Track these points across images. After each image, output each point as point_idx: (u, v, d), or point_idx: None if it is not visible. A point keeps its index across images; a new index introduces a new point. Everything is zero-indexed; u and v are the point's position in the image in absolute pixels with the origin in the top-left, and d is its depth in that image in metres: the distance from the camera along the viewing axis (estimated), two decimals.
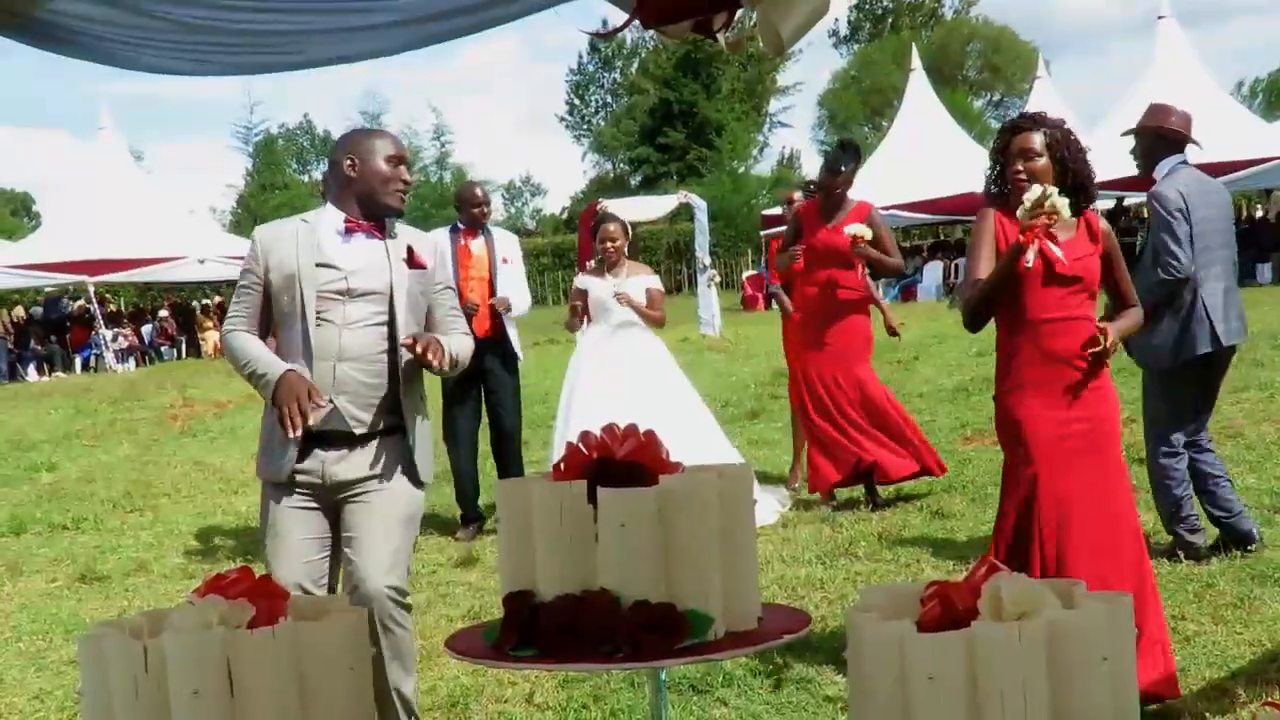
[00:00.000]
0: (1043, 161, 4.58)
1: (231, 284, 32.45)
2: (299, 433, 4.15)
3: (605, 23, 3.25)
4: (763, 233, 36.00)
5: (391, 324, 4.37)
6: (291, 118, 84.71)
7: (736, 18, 3.25)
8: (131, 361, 31.46)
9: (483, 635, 2.53)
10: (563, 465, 2.53)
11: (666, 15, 3.04)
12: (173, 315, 35.36)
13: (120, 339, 31.89)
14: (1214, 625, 5.40)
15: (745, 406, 13.76)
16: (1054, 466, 4.57)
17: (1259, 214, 33.11)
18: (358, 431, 4.33)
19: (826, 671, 5.15)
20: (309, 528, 4.37)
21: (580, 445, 2.55)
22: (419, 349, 4.21)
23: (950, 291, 28.06)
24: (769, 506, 8.24)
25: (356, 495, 4.37)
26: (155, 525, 9.85)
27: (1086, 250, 4.63)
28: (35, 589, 8.02)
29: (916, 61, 36.88)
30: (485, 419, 8.71)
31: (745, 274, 38.11)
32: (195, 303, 37.38)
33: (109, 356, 30.48)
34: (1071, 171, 4.61)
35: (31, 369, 30.38)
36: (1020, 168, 4.59)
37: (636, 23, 3.12)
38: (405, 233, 4.59)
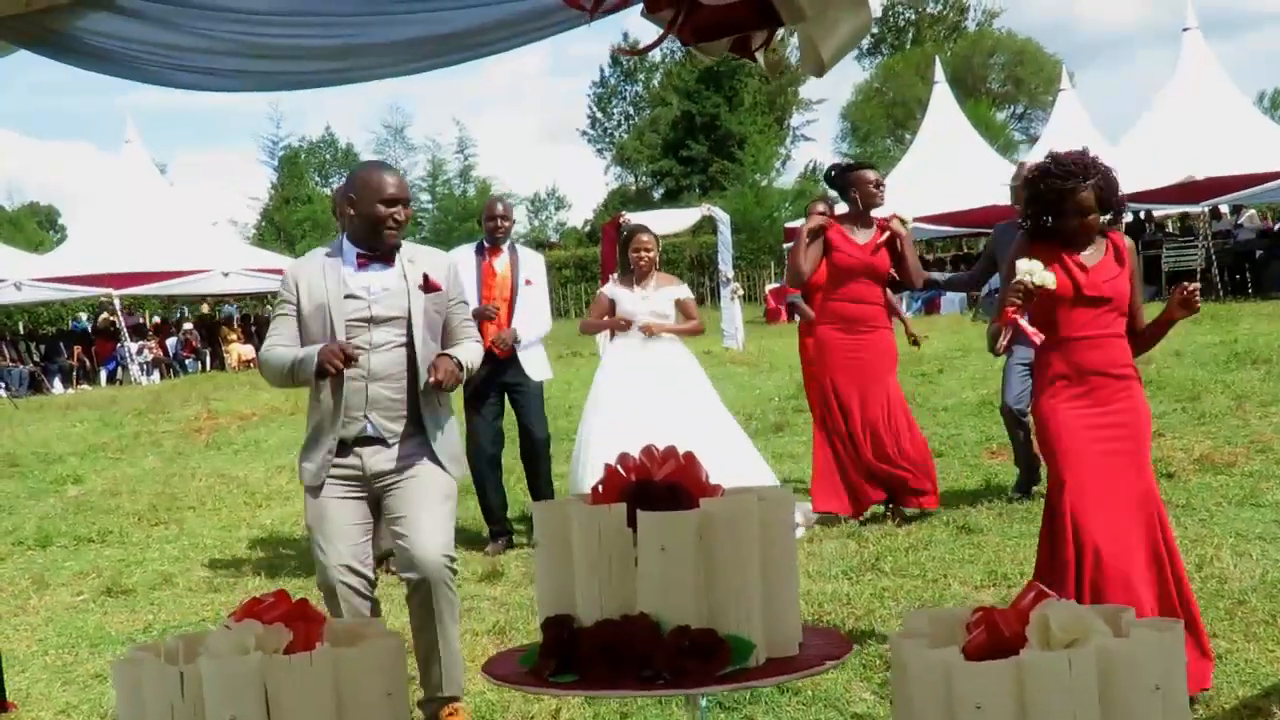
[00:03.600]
0: (1094, 217, 4.80)
1: (255, 296, 32.69)
2: (348, 367, 4.67)
3: (626, 36, 3.24)
4: (786, 245, 35.99)
5: (411, 345, 4.90)
6: (315, 130, 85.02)
7: (776, 37, 3.23)
8: (156, 374, 31.55)
9: (520, 659, 2.48)
10: (600, 487, 2.49)
11: (705, 33, 3.03)
12: (197, 328, 35.47)
13: (145, 351, 31.99)
14: (1246, 643, 5.34)
15: (769, 420, 13.70)
16: (1086, 473, 4.74)
17: None
18: (390, 441, 4.90)
19: (855, 688, 5.11)
20: (354, 514, 4.88)
21: (619, 467, 2.51)
22: (434, 380, 4.77)
23: (974, 304, 27.92)
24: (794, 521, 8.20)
25: (395, 483, 4.89)
26: (180, 538, 9.86)
27: (1114, 271, 4.86)
28: (61, 602, 8.03)
29: (940, 74, 36.83)
30: (501, 433, 8.64)
31: (768, 287, 38.04)
32: (219, 315, 37.52)
33: (134, 369, 30.59)
34: (1108, 200, 4.82)
35: (57, 381, 30.52)
36: (1076, 224, 4.77)
37: (667, 37, 3.10)
38: (418, 254, 5.08)
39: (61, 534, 10.22)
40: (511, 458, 8.80)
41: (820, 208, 8.59)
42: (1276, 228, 30.03)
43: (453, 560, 4.90)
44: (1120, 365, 4.85)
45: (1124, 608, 2.08)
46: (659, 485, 2.39)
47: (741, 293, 25.65)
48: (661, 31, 3.06)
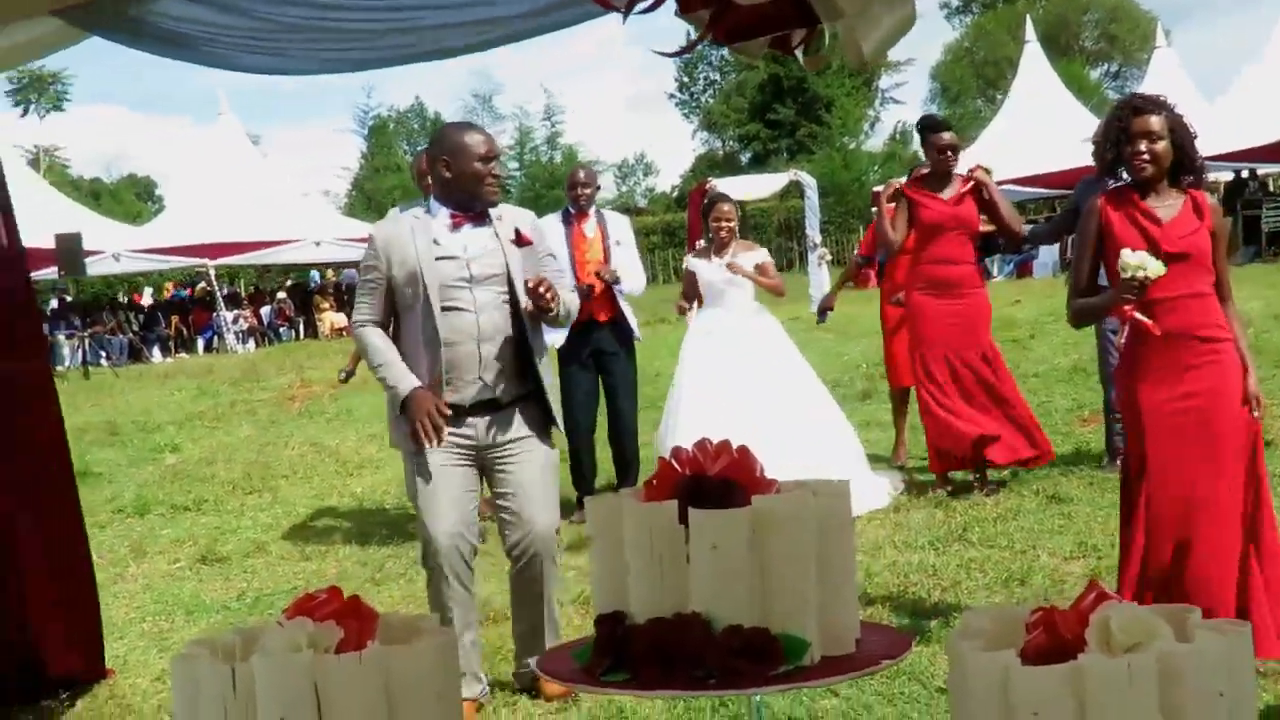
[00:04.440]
0: (1163, 144, 4.66)
1: (347, 265, 32.93)
2: (435, 444, 4.68)
3: (690, 35, 3.22)
4: (875, 210, 35.63)
5: (514, 302, 4.88)
6: (403, 100, 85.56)
7: (816, 33, 3.18)
8: (251, 342, 32.09)
9: (574, 655, 2.49)
10: (654, 482, 2.48)
11: (741, 34, 2.98)
12: (290, 297, 35.97)
13: (240, 320, 32.54)
14: None
15: (856, 387, 13.63)
16: (1163, 445, 4.63)
17: None
18: (503, 401, 4.90)
19: (941, 661, 5.07)
20: (462, 482, 4.90)
21: (673, 461, 2.49)
22: (540, 289, 4.70)
23: (1066, 268, 27.48)
24: (881, 489, 8.15)
25: (504, 455, 4.93)
26: (273, 506, 10.03)
27: (1192, 226, 4.67)
28: (158, 570, 8.22)
29: (1031, 33, 36.21)
30: (596, 399, 8.66)
31: (856, 251, 37.71)
32: (312, 283, 38.01)
33: (230, 338, 31.12)
34: (1185, 153, 4.70)
35: (156, 350, 31.14)
36: (1143, 149, 4.66)
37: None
38: (506, 212, 5.07)
39: (159, 502, 10.44)
40: (603, 427, 8.81)
41: (897, 181, 8.44)
42: None
43: (558, 532, 5.03)
44: (1206, 327, 4.64)
45: (1189, 608, 2.02)
46: (712, 481, 2.37)
47: (829, 258, 25.45)
48: (698, 33, 3.02)
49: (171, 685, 2.26)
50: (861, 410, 11.93)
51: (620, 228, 8.64)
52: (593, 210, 8.52)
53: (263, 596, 7.27)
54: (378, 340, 4.86)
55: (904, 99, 78.97)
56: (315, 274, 39.61)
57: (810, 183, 24.67)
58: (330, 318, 34.31)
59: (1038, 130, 29.88)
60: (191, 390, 19.91)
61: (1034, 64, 35.21)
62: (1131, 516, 4.77)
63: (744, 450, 2.46)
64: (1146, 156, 4.65)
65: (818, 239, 24.25)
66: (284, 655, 2.02)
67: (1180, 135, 4.68)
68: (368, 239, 5.01)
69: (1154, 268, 4.48)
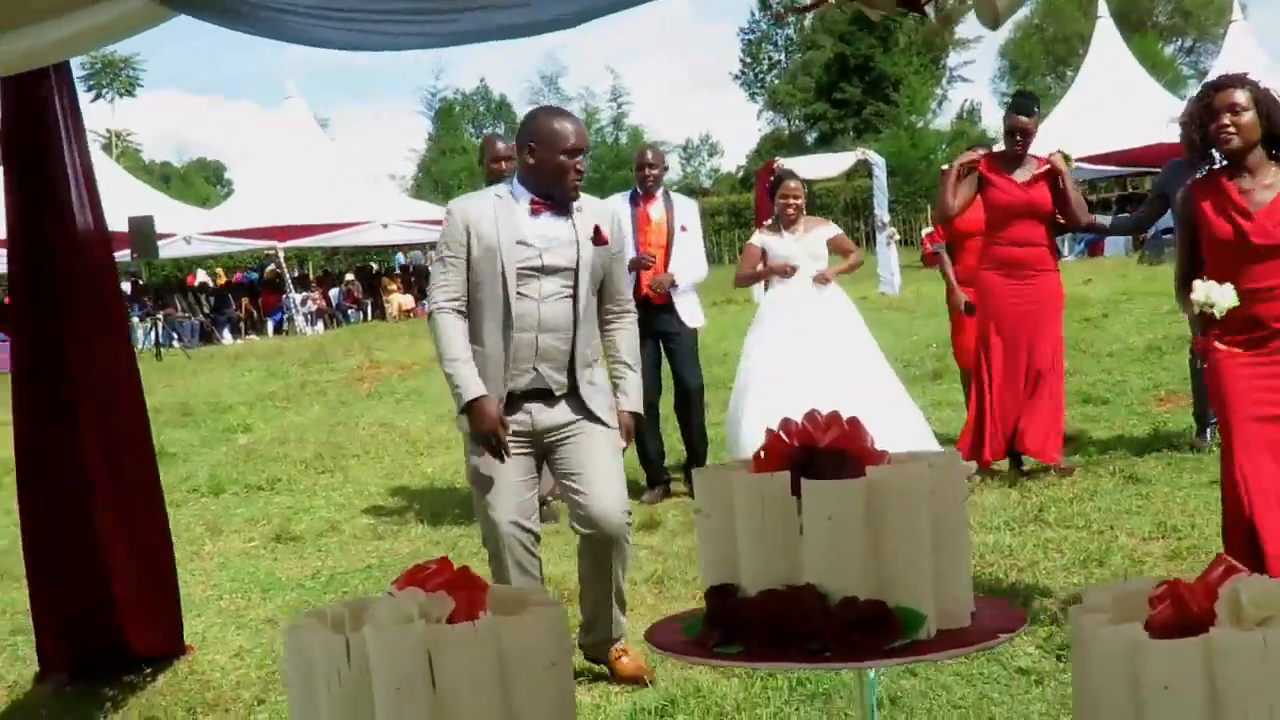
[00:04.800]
0: (1249, 116, 4.61)
1: (414, 247, 33.10)
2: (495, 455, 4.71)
3: None
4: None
5: (575, 298, 4.84)
6: (468, 83, 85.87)
7: None
8: (320, 324, 32.37)
9: (683, 629, 2.45)
10: (763, 454, 2.43)
11: None
12: (358, 279, 36.24)
13: (309, 302, 32.84)
14: None
15: (927, 367, 13.51)
16: (1255, 440, 4.61)
17: None
18: (557, 392, 4.86)
19: (1019, 643, 5.00)
20: (520, 469, 4.83)
21: (781, 433, 2.45)
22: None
23: (1139, 246, 27.09)
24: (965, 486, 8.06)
25: (564, 439, 4.87)
26: (345, 486, 10.10)
27: None
28: (234, 548, 8.30)
29: (1103, 8, 35.63)
30: (659, 381, 8.64)
31: (924, 231, 37.43)
32: (381, 265, 38.30)
33: (299, 319, 31.41)
34: (1275, 124, 4.64)
35: (226, 332, 31.50)
36: (1228, 122, 4.60)
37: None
38: (586, 203, 4.96)
39: (233, 481, 10.55)
40: (668, 406, 8.80)
41: (981, 152, 8.32)
42: None
43: (629, 515, 4.92)
44: None
45: None
46: (824, 452, 2.31)
47: (898, 237, 25.26)
48: None
49: (284, 656, 2.26)
50: (933, 390, 11.84)
51: (687, 212, 8.57)
52: (660, 192, 8.46)
53: (337, 575, 7.31)
54: (453, 333, 4.78)
55: (971, 77, 78.22)
56: (400, 256, 39.91)
57: (879, 162, 24.51)
58: (398, 299, 34.58)
59: (1111, 107, 29.41)
60: (261, 371, 20.14)
61: (1107, 40, 34.63)
62: (1228, 502, 4.76)
63: (854, 421, 2.42)
64: (1231, 128, 4.59)
65: (886, 218, 24.07)
66: (398, 625, 2.01)
67: (1268, 106, 4.62)
68: (446, 214, 4.93)
69: (1222, 303, 4.45)
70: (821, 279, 8.29)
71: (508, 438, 4.75)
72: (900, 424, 8.16)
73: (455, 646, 2.01)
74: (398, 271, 37.62)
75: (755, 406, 8.20)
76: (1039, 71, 63.74)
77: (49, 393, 5.32)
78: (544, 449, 4.91)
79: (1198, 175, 4.89)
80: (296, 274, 33.61)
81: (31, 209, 5.24)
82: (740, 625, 2.29)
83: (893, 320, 18.15)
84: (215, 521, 9.04)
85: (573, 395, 4.87)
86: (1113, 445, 8.37)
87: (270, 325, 32.47)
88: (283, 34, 3.71)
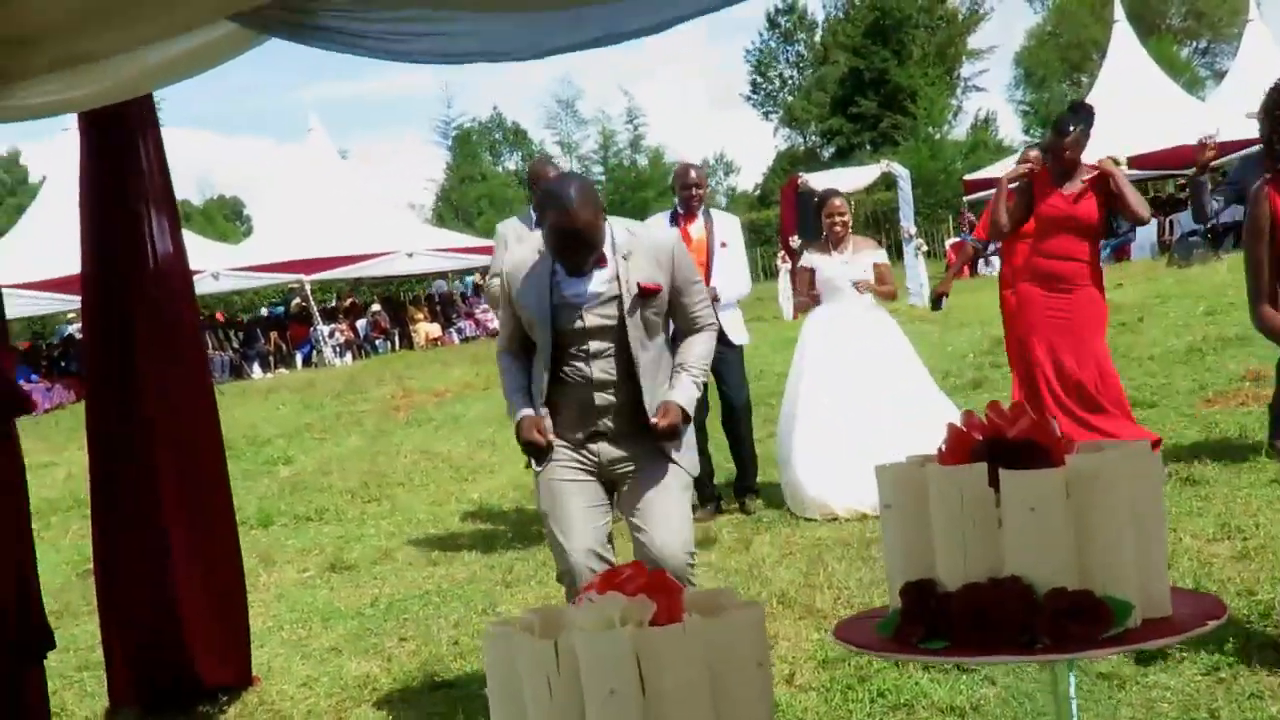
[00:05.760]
0: None
1: (439, 275, 33.18)
2: (543, 459, 4.65)
3: None
4: (966, 198, 35.30)
5: (626, 352, 4.58)
6: (479, 110, 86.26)
7: None
8: (349, 355, 32.47)
9: (877, 627, 2.44)
10: (944, 447, 2.42)
11: None
12: (385, 308, 36.35)
13: (337, 334, 32.94)
14: None
15: (966, 377, 13.48)
16: None
17: None
18: (622, 435, 4.67)
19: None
20: (590, 496, 4.67)
21: (962, 426, 2.43)
22: (657, 426, 4.55)
23: (1165, 250, 26.99)
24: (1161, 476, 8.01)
25: (631, 471, 4.68)
26: (393, 514, 10.13)
27: None
28: (289, 579, 8.32)
29: (1120, 12, 35.59)
30: (706, 398, 8.61)
31: (947, 242, 37.38)
32: (406, 295, 38.43)
33: (327, 351, 31.51)
34: None
35: (256, 366, 31.62)
36: None
37: None
38: (636, 242, 4.63)
39: (281, 513, 10.58)
40: (714, 424, 8.78)
41: (1033, 154, 8.24)
42: None
43: (693, 556, 4.71)
44: None
45: None
46: (1015, 442, 2.30)
47: (925, 248, 25.20)
48: None
49: (485, 662, 2.26)
50: (975, 399, 11.78)
51: (729, 229, 8.56)
52: (700, 210, 8.46)
53: (395, 602, 7.33)
54: (508, 369, 4.81)
55: (986, 86, 78.14)
56: (440, 283, 40.03)
57: (904, 174, 24.39)
58: (424, 328, 34.67)
59: (1130, 111, 29.32)
60: (295, 404, 20.20)
61: (1124, 43, 34.61)
62: None
63: (1041, 413, 2.41)
64: None
65: (912, 230, 23.98)
66: (608, 630, 2.01)
67: None
68: (496, 271, 4.90)
69: None
70: (863, 285, 8.37)
71: (571, 463, 4.65)
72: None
73: (665, 649, 2.00)
74: (423, 300, 37.73)
75: (806, 423, 8.24)
76: (1055, 77, 63.62)
77: (124, 422, 5.36)
78: (609, 479, 4.72)
79: (1268, 174, 4.77)
80: (321, 306, 33.67)
81: (110, 238, 5.29)
82: (943, 620, 2.27)
83: (925, 332, 18.04)
84: (268, 553, 9.06)
85: (643, 433, 4.64)
86: (1165, 448, 8.32)
87: (299, 358, 32.57)
88: (364, 50, 3.72)
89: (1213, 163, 7.94)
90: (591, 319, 4.55)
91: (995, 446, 2.34)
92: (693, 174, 8.54)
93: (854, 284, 8.35)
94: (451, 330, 35.81)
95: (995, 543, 2.26)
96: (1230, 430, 8.62)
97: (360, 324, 35.08)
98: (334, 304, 37.82)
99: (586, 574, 4.52)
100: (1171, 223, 30.03)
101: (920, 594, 2.32)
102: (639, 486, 4.66)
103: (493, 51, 4.10)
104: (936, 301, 8.89)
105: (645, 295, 4.57)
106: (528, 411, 4.65)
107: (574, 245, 4.41)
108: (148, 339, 5.31)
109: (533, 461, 4.75)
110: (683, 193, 8.37)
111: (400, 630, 6.68)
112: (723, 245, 8.40)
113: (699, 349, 4.78)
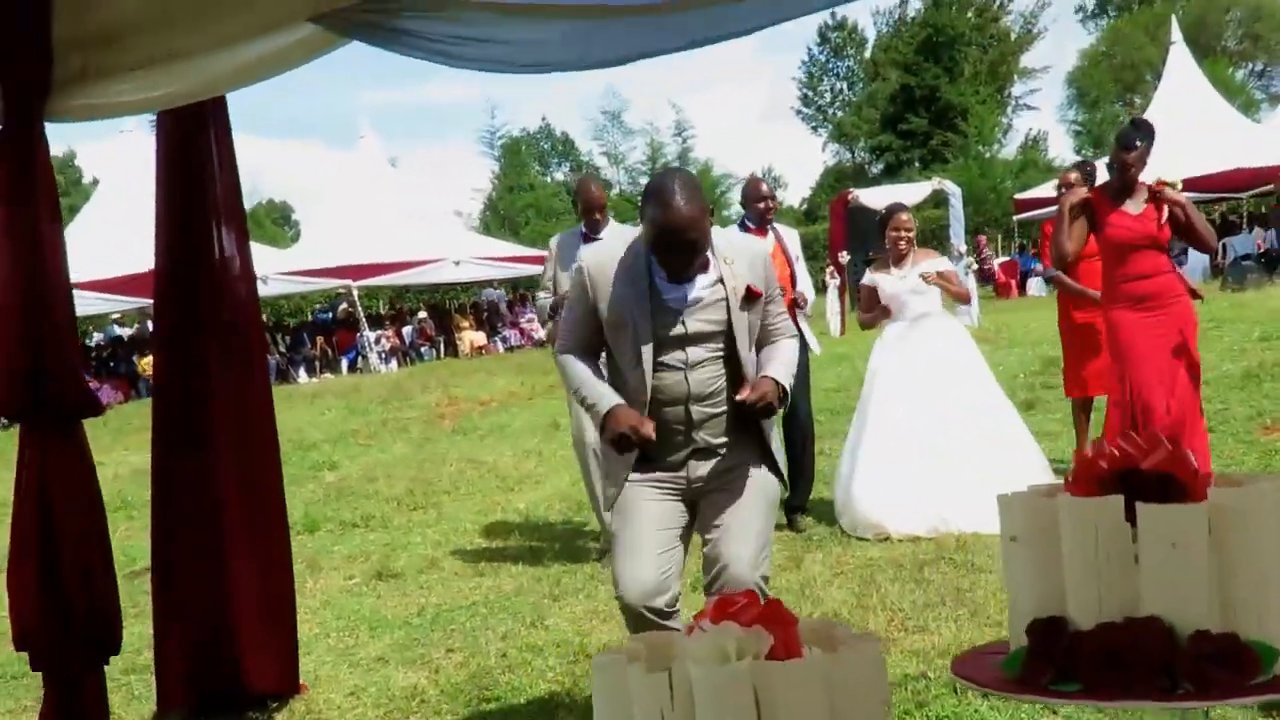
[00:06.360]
0: None
1: (486, 284, 33.26)
2: (633, 453, 4.21)
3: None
4: (1016, 217, 35.06)
5: (731, 358, 4.28)
6: (531, 122, 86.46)
7: None
8: (394, 362, 32.57)
9: (1003, 665, 2.32)
10: (1071, 477, 2.31)
11: None
12: (430, 316, 36.45)
13: (383, 340, 33.05)
14: None
15: (1019, 397, 13.25)
16: None
17: None
18: (720, 451, 4.33)
19: None
20: (667, 519, 4.30)
21: (1092, 455, 2.32)
22: (747, 399, 4.13)
23: (1219, 273, 26.70)
24: None
25: (717, 486, 4.32)
26: (440, 523, 10.09)
27: None
28: (335, 586, 8.29)
29: (1177, 34, 35.29)
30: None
31: (996, 261, 37.15)
32: (452, 303, 38.53)
33: (373, 358, 31.60)
34: None
35: (302, 371, 31.76)
36: None
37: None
38: (735, 250, 4.36)
39: (327, 519, 10.57)
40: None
41: (1073, 176, 8.04)
42: None
43: (767, 583, 4.28)
44: None
45: None
46: (1157, 474, 2.18)
47: (976, 267, 25.04)
48: None
49: (593, 693, 2.19)
50: (1028, 420, 11.62)
51: (792, 243, 8.57)
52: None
53: (443, 612, 7.28)
54: (577, 364, 4.39)
55: (1037, 105, 77.69)
56: (489, 292, 40.05)
57: (955, 192, 24.30)
58: (470, 336, 34.74)
59: (1186, 133, 29.03)
60: (341, 409, 20.24)
61: (1180, 65, 34.31)
62: None
63: (1177, 444, 2.29)
64: None
65: (963, 248, 23.83)
66: (725, 663, 1.93)
67: None
68: (575, 268, 4.43)
69: None
70: (931, 278, 8.22)
71: (654, 482, 4.30)
72: (1021, 453, 8.12)
73: (786, 684, 1.91)
74: (469, 309, 37.82)
75: (875, 436, 8.13)
76: (1108, 98, 63.15)
77: (188, 420, 5.37)
78: (695, 496, 4.37)
79: None
80: (368, 312, 33.81)
81: (181, 239, 5.30)
82: (1074, 661, 2.16)
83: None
84: (314, 559, 9.04)
85: (741, 446, 4.34)
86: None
87: (344, 364, 32.69)
88: (439, 56, 3.68)
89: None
90: (694, 324, 4.22)
91: (1131, 478, 2.22)
92: (764, 187, 8.57)
93: (922, 276, 8.19)
94: (496, 339, 35.88)
95: (1132, 580, 2.15)
96: None
97: (406, 331, 35.20)
98: (381, 311, 37.97)
99: (640, 619, 4.22)
100: (1225, 246, 29.69)
101: (1050, 632, 2.20)
102: (722, 499, 4.30)
103: (547, 63, 4.04)
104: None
105: (751, 299, 4.29)
106: (620, 403, 4.23)
107: (680, 245, 4.08)
108: (215, 341, 5.32)
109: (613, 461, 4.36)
110: (756, 205, 8.34)
111: (447, 641, 6.63)
112: (796, 258, 8.40)
113: (786, 351, 4.44)
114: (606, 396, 4.26)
